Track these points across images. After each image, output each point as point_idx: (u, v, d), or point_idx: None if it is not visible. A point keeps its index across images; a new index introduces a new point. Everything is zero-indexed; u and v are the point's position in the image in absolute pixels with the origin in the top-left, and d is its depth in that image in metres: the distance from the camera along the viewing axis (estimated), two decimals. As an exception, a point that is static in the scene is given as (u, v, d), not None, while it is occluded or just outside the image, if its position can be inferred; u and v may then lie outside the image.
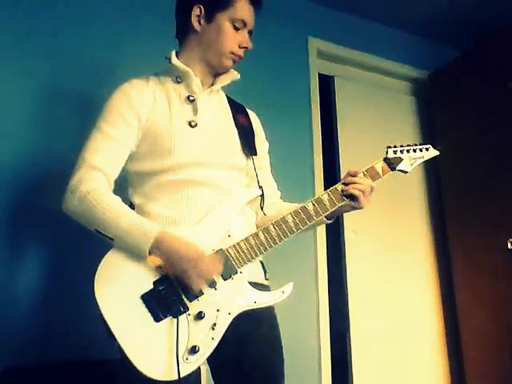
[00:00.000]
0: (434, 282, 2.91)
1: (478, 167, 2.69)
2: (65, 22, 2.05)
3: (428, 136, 3.09)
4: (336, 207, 1.31)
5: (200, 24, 1.34)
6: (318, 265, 2.46)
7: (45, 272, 1.79)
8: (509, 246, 2.44)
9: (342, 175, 2.88)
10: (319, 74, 2.81)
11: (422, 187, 3.06)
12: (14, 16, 1.94)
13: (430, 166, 3.07)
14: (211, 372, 1.29)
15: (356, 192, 1.29)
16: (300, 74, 2.71)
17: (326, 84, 2.93)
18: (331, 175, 2.74)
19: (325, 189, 2.86)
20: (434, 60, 3.09)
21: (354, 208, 1.34)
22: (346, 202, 1.31)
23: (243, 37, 1.35)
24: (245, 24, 1.34)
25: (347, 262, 2.67)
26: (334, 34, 2.86)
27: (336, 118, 2.90)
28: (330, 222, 1.39)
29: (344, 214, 2.69)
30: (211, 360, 1.23)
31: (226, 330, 1.17)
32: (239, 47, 1.35)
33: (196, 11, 1.33)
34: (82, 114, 1.90)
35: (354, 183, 1.31)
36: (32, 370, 1.51)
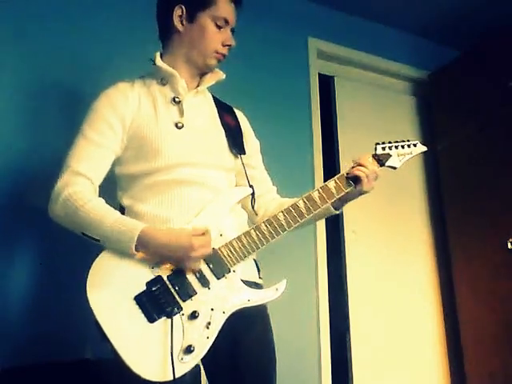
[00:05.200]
0: (434, 282, 2.90)
1: (478, 167, 2.68)
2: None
3: (428, 136, 3.09)
4: (341, 194, 1.34)
5: (182, 24, 1.34)
6: (317, 264, 2.46)
7: (39, 272, 1.78)
8: (509, 245, 2.44)
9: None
10: (319, 74, 2.80)
11: (422, 187, 3.05)
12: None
13: (430, 165, 3.07)
14: (204, 371, 1.29)
15: (361, 174, 1.32)
16: (300, 74, 2.71)
17: (326, 84, 2.93)
18: (331, 175, 2.73)
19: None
20: (434, 60, 3.09)
21: (360, 193, 1.36)
22: (350, 189, 1.34)
23: (226, 35, 1.36)
24: (227, 22, 1.35)
25: (347, 262, 2.67)
26: (334, 34, 2.86)
27: (336, 117, 2.90)
28: (337, 212, 1.41)
29: (344, 214, 2.70)
30: (204, 359, 1.23)
31: (220, 330, 1.18)
32: (223, 45, 1.35)
33: (178, 11, 1.33)
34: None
35: (359, 165, 1.34)
36: (30, 370, 1.50)
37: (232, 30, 1.38)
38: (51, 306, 1.74)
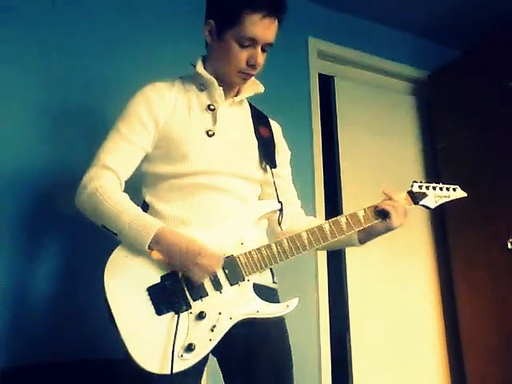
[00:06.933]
0: (434, 282, 2.90)
1: (478, 167, 2.68)
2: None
3: (428, 136, 3.09)
4: (368, 224, 1.34)
5: (212, 38, 1.32)
6: (318, 265, 2.46)
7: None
8: (509, 245, 2.44)
9: (342, 175, 2.88)
10: (319, 74, 2.80)
11: (421, 187, 3.05)
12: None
13: (429, 165, 3.07)
14: (222, 375, 1.30)
15: (389, 208, 1.33)
16: (300, 74, 2.71)
17: (326, 84, 2.93)
18: (331, 175, 2.74)
19: (324, 189, 2.83)
20: (434, 60, 3.09)
21: (388, 228, 1.36)
22: (377, 221, 1.35)
23: (252, 54, 1.29)
24: (255, 41, 1.27)
25: (347, 262, 2.67)
26: (334, 34, 2.86)
27: (336, 118, 2.90)
28: (361, 245, 1.41)
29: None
30: (221, 360, 1.27)
31: (238, 332, 1.19)
32: (247, 65, 1.30)
33: (208, 26, 1.32)
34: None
35: (390, 200, 1.35)
36: (31, 370, 1.50)
37: (269, 45, 1.31)
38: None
